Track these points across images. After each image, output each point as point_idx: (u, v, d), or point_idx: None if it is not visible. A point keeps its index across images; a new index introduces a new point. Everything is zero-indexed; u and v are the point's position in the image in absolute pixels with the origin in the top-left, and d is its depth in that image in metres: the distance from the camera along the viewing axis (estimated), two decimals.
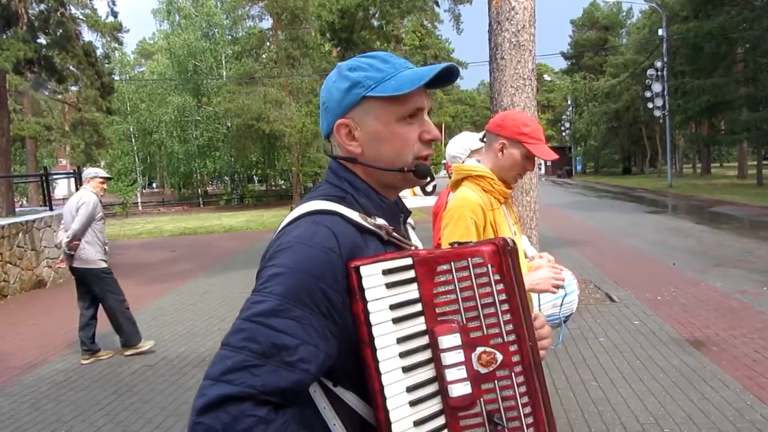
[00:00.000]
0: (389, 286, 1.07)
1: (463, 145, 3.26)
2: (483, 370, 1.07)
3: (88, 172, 6.30)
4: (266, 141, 31.12)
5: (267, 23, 33.44)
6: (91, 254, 5.92)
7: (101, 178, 6.17)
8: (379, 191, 1.22)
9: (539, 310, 2.48)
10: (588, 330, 6.08)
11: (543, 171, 56.63)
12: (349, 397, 1.10)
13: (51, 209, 11.65)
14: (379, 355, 1.05)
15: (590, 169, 63.25)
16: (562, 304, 2.53)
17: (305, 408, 1.09)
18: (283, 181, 41.97)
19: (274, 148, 32.94)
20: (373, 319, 1.05)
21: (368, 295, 1.05)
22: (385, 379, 1.04)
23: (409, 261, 1.09)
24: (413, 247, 1.22)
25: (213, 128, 33.66)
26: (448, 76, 1.17)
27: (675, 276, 8.44)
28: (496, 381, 1.07)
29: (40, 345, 6.64)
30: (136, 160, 36.36)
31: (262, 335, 0.98)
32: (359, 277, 1.05)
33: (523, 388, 1.08)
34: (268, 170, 38.13)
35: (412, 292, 1.09)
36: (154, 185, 59.54)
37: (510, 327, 1.08)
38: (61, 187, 44.35)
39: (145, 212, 33.72)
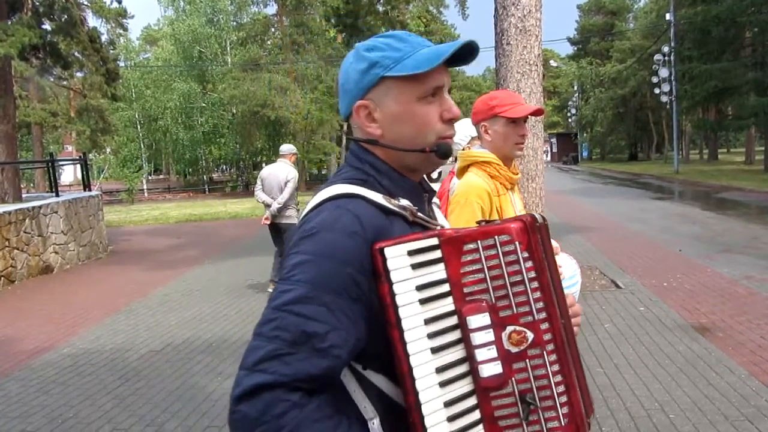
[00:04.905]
0: (415, 267, 1.06)
1: (464, 131, 3.22)
2: (514, 350, 1.05)
3: (290, 148, 7.96)
4: (271, 127, 31.05)
5: (272, 9, 33.41)
6: (293, 214, 7.74)
7: (294, 153, 7.95)
8: (402, 173, 1.21)
9: None
10: (593, 316, 6.08)
11: (549, 158, 56.42)
12: (379, 380, 1.10)
13: (57, 195, 11.65)
14: (407, 336, 1.03)
15: (596, 155, 62.91)
16: None
17: (337, 392, 1.08)
18: None
19: (280, 135, 32.82)
20: (399, 300, 1.04)
21: (393, 276, 1.04)
22: (413, 361, 1.03)
23: (434, 241, 1.08)
24: (439, 227, 1.20)
25: (218, 115, 33.61)
26: (469, 53, 1.16)
27: (681, 262, 8.42)
28: (527, 360, 1.05)
29: (47, 330, 6.68)
30: (142, 146, 36.45)
31: (292, 324, 0.99)
32: (384, 259, 1.04)
33: (555, 367, 1.06)
34: (273, 157, 38.01)
35: (439, 272, 1.07)
36: (161, 173, 59.64)
37: (540, 305, 1.06)
38: (68, 174, 44.48)
39: (151, 199, 33.79)
